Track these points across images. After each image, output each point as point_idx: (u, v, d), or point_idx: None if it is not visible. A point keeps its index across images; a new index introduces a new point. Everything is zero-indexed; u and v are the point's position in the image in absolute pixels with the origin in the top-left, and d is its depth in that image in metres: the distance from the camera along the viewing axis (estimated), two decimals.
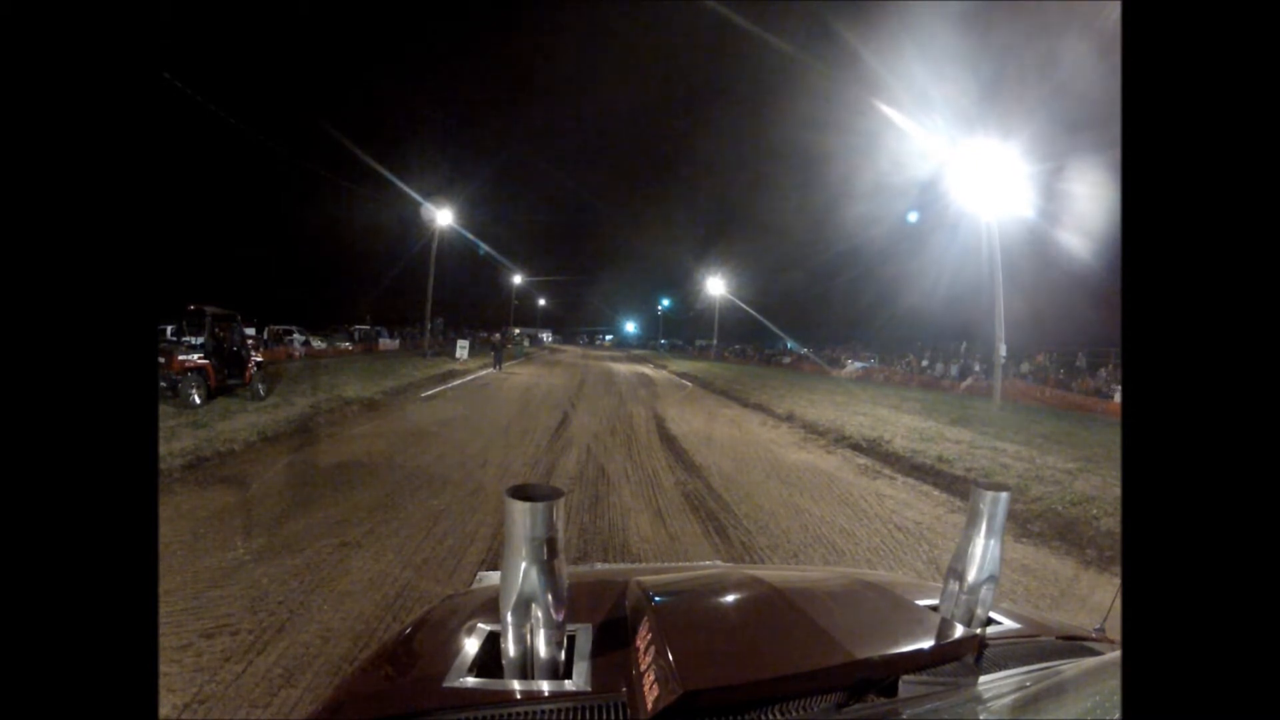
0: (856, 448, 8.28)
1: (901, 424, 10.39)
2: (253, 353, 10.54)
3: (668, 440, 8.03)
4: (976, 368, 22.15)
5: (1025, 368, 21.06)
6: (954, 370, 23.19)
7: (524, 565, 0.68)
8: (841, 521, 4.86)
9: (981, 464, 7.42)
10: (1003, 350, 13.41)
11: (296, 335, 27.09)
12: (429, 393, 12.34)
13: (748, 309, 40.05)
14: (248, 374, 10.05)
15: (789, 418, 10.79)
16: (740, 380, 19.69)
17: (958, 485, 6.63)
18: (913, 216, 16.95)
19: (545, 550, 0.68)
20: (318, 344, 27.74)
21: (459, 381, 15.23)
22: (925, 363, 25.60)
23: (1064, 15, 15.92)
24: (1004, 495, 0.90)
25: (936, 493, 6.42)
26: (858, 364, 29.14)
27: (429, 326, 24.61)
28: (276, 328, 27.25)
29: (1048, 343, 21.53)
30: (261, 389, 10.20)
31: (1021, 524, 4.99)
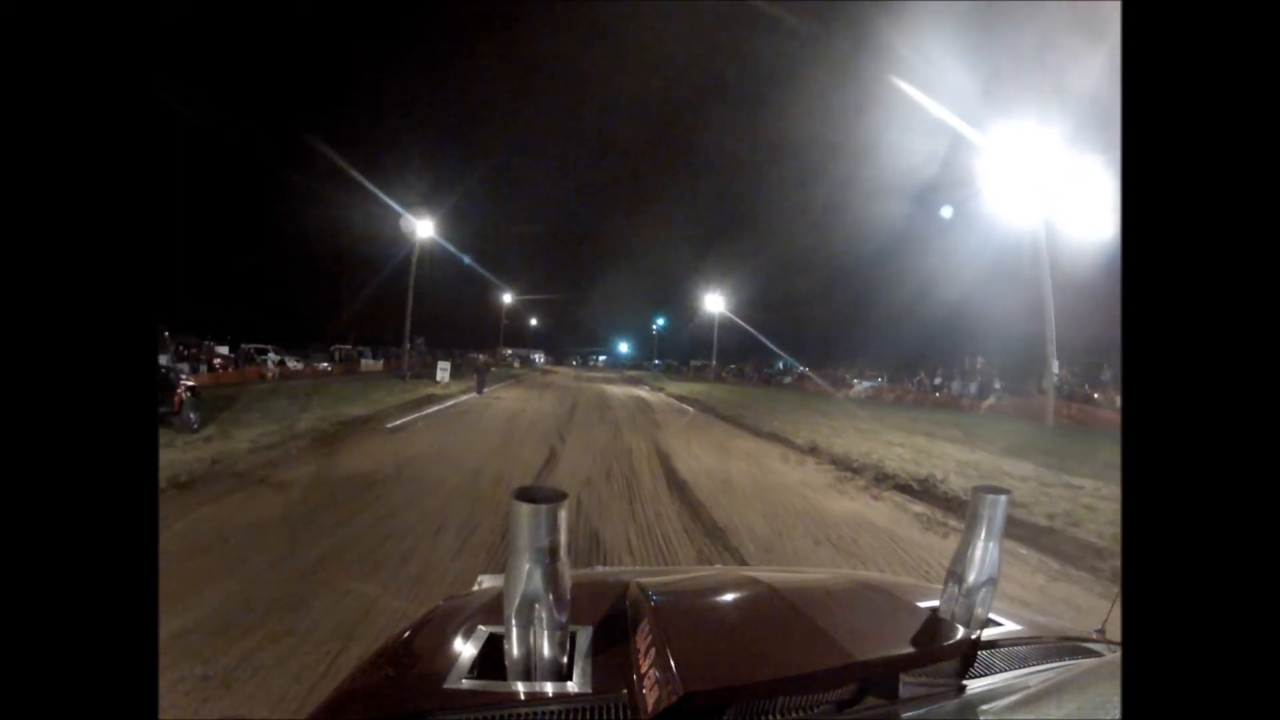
0: (905, 490, 6.81)
1: (945, 456, 8.95)
2: (181, 376, 9.04)
3: (677, 487, 6.47)
4: (997, 384, 20.79)
5: (1047, 383, 19.75)
6: (972, 388, 21.78)
7: (528, 567, 0.67)
8: None
9: (1062, 508, 6.05)
10: (1055, 367, 12.01)
11: (271, 355, 25.81)
12: (396, 423, 10.71)
13: (746, 326, 38.69)
14: (176, 400, 8.51)
15: (812, 450, 9.27)
16: (745, 404, 18.18)
17: (1045, 539, 5.21)
18: (947, 211, 15.68)
19: (549, 552, 0.67)
20: (294, 364, 26.35)
21: (434, 409, 13.61)
22: (937, 380, 24.23)
23: (1083, 12, 15.07)
24: (1003, 498, 0.90)
25: (1024, 551, 4.97)
26: (865, 383, 27.75)
27: (408, 347, 22.96)
28: (249, 346, 25.97)
29: (1060, 354, 20.36)
30: (194, 418, 8.71)
31: None
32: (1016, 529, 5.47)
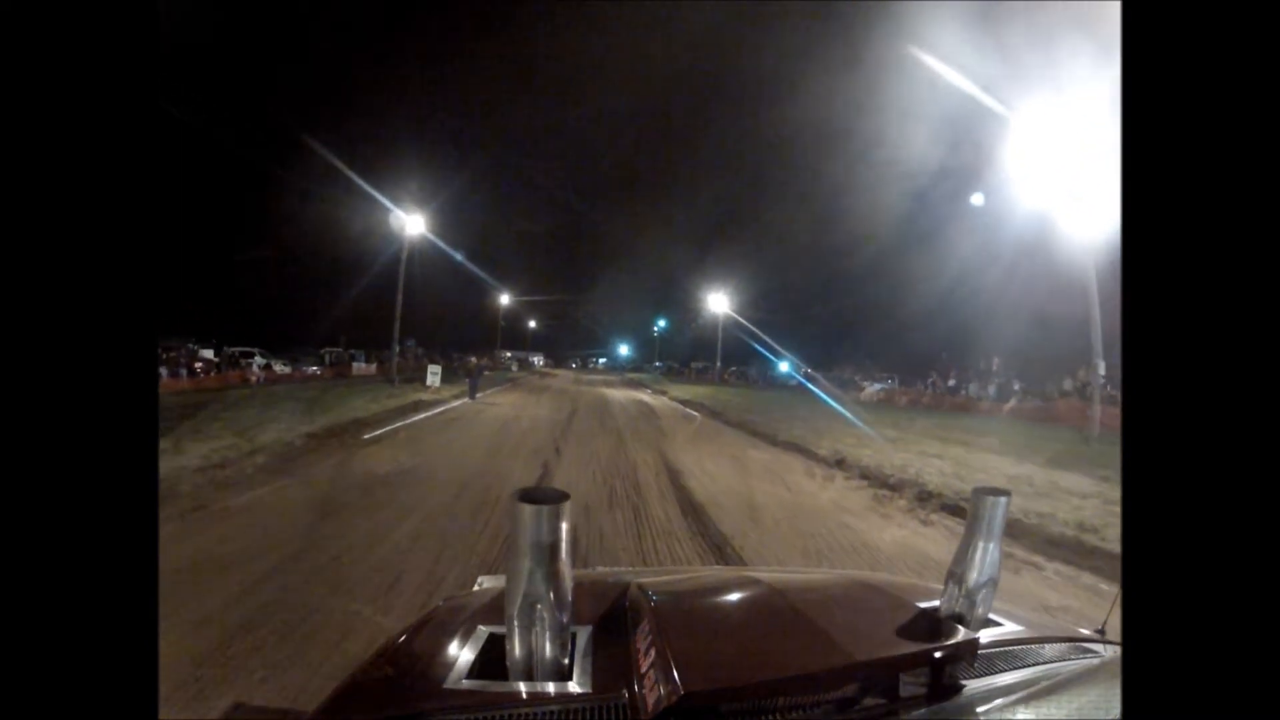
0: (956, 512, 5.84)
1: (988, 468, 8.00)
2: None
3: (693, 512, 5.48)
4: (1016, 386, 19.81)
5: (1069, 385, 18.80)
6: (991, 390, 20.77)
7: (529, 567, 0.66)
8: None
9: None
10: (1101, 369, 11.01)
11: (257, 358, 24.91)
12: (375, 433, 9.71)
13: (749, 325, 37.60)
14: None
15: (839, 463, 8.28)
16: (754, 409, 17.14)
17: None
18: (978, 199, 14.59)
19: (550, 553, 0.66)
20: (281, 368, 25.42)
21: (421, 416, 12.61)
22: (952, 382, 23.24)
23: None
24: (1003, 500, 0.89)
25: (1104, 586, 4.18)
26: (876, 385, 26.71)
27: (396, 350, 21.94)
28: (234, 350, 25.06)
29: (1081, 354, 19.33)
30: None
31: None
32: (1093, 559, 4.61)
